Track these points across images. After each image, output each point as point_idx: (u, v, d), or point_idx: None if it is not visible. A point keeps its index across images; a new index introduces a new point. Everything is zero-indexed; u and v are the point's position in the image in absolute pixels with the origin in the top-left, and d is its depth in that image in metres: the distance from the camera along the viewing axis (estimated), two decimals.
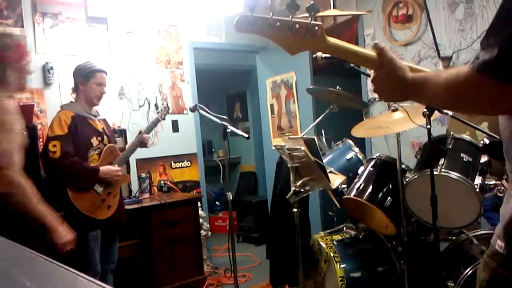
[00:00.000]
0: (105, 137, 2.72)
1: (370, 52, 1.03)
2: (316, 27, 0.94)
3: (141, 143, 2.88)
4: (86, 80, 2.64)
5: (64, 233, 2.05)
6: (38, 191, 2.14)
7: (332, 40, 0.99)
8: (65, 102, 2.91)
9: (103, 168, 2.60)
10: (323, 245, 2.59)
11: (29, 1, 3.44)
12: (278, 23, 0.94)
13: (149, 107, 4.06)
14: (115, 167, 2.68)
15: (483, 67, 0.78)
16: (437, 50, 3.34)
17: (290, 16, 0.95)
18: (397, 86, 0.99)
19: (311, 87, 3.53)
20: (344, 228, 2.87)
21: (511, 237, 0.91)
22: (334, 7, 3.50)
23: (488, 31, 0.79)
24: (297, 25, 0.94)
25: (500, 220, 0.95)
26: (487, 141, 1.91)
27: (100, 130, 2.72)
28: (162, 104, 3.11)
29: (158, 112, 2.97)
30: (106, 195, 2.64)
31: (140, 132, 2.93)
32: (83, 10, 3.71)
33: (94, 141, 2.64)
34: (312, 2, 0.97)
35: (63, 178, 2.49)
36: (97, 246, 2.58)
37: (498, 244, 0.93)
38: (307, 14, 0.97)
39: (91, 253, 2.54)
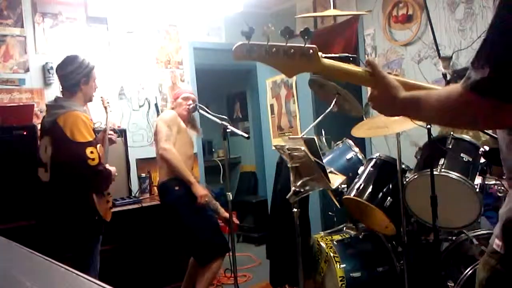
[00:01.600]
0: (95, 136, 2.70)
1: (363, 70, 1.06)
2: (311, 51, 0.99)
3: (109, 140, 2.79)
4: (88, 79, 2.54)
5: (201, 188, 2.80)
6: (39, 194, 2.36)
7: (327, 61, 1.03)
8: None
9: (113, 171, 2.59)
10: (323, 245, 2.59)
11: (29, 1, 3.44)
12: (274, 49, 1.00)
13: (149, 107, 4.06)
14: (113, 168, 2.68)
15: (476, 86, 0.80)
16: (437, 50, 3.32)
17: (285, 42, 1.00)
18: (391, 104, 1.03)
19: (313, 77, 3.44)
20: (344, 228, 2.86)
21: (508, 236, 0.93)
22: (334, 7, 3.50)
23: (479, 51, 0.81)
24: (292, 50, 0.99)
25: (499, 220, 0.98)
26: (487, 148, 1.91)
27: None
28: (101, 97, 2.91)
29: (105, 107, 2.85)
30: (108, 196, 2.64)
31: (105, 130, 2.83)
32: (83, 10, 3.71)
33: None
34: (305, 27, 1.04)
35: (98, 183, 2.45)
36: (99, 247, 2.59)
37: (496, 243, 0.96)
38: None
39: (96, 255, 2.54)
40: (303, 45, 0.99)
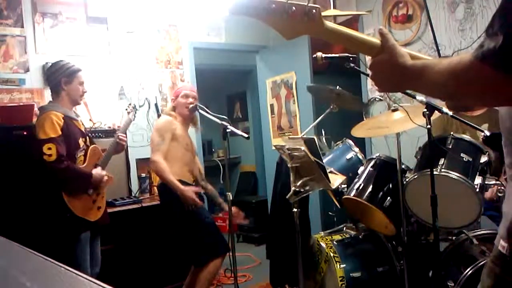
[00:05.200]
0: (87, 137, 2.69)
1: (369, 37, 0.99)
2: (314, 10, 0.90)
3: (118, 144, 2.79)
4: (70, 80, 2.60)
5: (188, 195, 2.73)
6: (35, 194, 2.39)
7: (330, 24, 0.94)
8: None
9: (95, 173, 2.58)
10: (323, 245, 2.59)
11: (29, 1, 3.44)
12: (274, 6, 0.89)
13: (149, 107, 4.06)
14: (103, 172, 2.66)
15: (487, 56, 0.74)
16: (437, 50, 3.34)
17: None
18: (396, 73, 0.94)
19: (311, 84, 3.51)
20: (344, 228, 2.86)
21: None
22: (334, 7, 3.50)
23: (494, 18, 0.74)
24: (294, 8, 0.89)
25: (503, 219, 0.92)
26: (487, 133, 1.90)
27: (83, 130, 2.70)
28: (129, 104, 3.08)
29: (129, 113, 2.95)
30: (95, 196, 2.62)
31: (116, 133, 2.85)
32: (83, 10, 3.71)
33: (81, 142, 2.60)
34: None
35: (58, 181, 2.46)
36: (87, 248, 2.56)
37: (501, 244, 0.90)
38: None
39: (83, 255, 2.52)
40: (305, 3, 0.90)
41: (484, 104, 1.26)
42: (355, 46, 0.99)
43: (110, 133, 3.47)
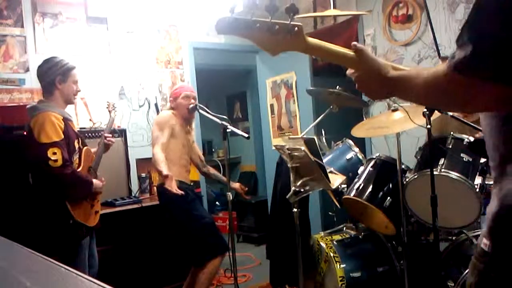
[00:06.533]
0: (79, 139, 2.57)
1: (350, 51, 1.03)
2: (296, 28, 0.95)
3: (105, 144, 2.70)
4: (65, 78, 2.47)
5: (170, 182, 2.67)
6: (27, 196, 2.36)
7: (312, 40, 0.99)
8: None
9: (95, 183, 2.51)
10: (323, 245, 2.60)
11: (29, 1, 3.44)
12: (258, 25, 0.94)
13: (149, 107, 4.06)
14: (101, 181, 2.59)
15: (458, 66, 0.78)
16: (437, 50, 3.34)
17: (270, 17, 0.95)
18: (379, 85, 1.00)
19: (311, 88, 3.52)
20: (344, 228, 2.86)
21: (496, 235, 0.90)
22: (334, 7, 3.50)
23: (463, 28, 0.78)
24: (277, 26, 0.94)
25: (486, 218, 0.95)
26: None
27: (77, 132, 2.59)
28: (108, 102, 2.92)
29: (110, 111, 2.85)
30: (92, 201, 2.55)
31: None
32: (83, 10, 3.71)
33: (76, 144, 2.49)
34: (291, 3, 0.98)
35: (62, 187, 2.35)
36: (87, 254, 2.51)
37: (484, 242, 0.93)
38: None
39: (83, 261, 2.48)
40: (288, 21, 0.95)
41: (465, 111, 1.30)
42: (337, 60, 1.04)
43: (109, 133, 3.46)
